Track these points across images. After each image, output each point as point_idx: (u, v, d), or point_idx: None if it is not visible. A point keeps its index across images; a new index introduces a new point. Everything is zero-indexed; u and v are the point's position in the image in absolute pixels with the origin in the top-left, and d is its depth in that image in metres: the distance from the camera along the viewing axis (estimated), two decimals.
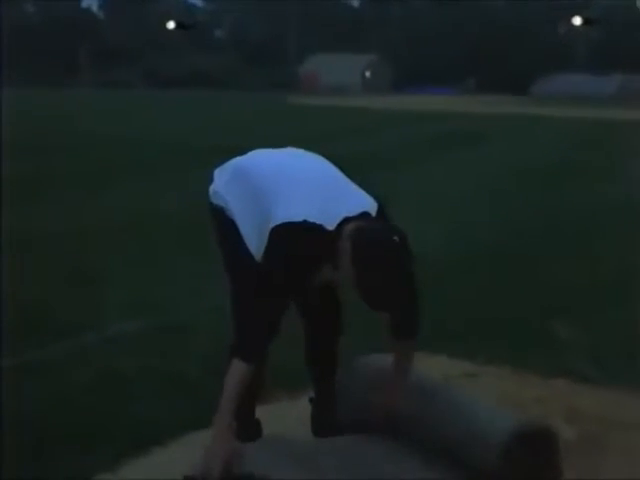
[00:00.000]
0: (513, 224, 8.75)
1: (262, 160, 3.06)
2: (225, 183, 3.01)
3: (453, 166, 14.92)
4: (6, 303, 5.28)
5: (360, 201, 2.81)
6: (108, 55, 73.77)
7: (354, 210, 2.72)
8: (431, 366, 3.96)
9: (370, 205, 2.80)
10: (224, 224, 3.00)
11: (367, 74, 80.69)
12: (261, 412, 3.34)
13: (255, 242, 2.87)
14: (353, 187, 2.91)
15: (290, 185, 2.81)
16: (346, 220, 2.66)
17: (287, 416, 3.56)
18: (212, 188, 3.07)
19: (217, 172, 3.12)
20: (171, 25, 70.30)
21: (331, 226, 2.65)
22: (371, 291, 2.56)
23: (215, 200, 3.04)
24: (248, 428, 3.09)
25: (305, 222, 2.65)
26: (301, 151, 3.13)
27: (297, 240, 2.66)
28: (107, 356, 4.50)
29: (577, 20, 65.57)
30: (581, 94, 60.71)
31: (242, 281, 2.96)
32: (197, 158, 14.83)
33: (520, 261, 6.93)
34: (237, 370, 2.63)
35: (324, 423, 3.24)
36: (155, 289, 5.97)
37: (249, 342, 2.71)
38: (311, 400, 3.35)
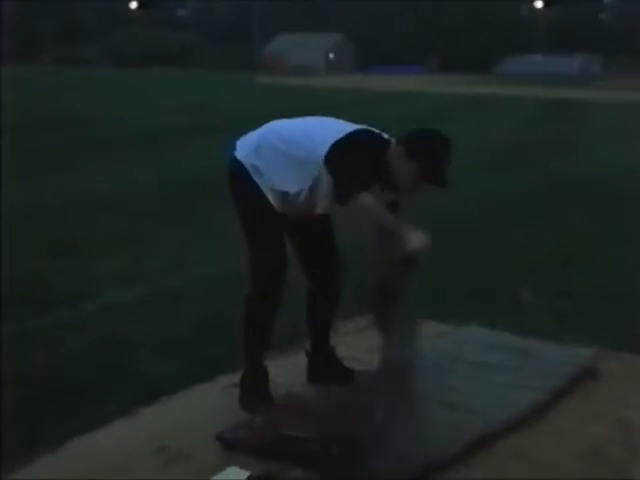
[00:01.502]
0: (482, 198, 9.14)
1: (283, 124, 3.52)
2: (255, 149, 3.40)
3: None
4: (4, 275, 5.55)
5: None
6: (71, 33, 73.01)
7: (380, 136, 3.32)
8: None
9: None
10: (245, 180, 3.39)
11: (331, 54, 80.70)
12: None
13: (295, 180, 3.30)
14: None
15: (318, 127, 3.41)
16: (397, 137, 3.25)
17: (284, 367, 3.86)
18: (237, 154, 3.45)
19: (239, 142, 3.51)
20: (134, 5, 69.79)
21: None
22: (436, 170, 3.15)
23: (243, 163, 3.41)
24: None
25: (366, 130, 3.28)
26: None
27: (358, 146, 3.22)
28: (105, 323, 4.78)
29: (539, 3, 66.34)
30: (543, 74, 61.43)
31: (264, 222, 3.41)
32: (165, 136, 15.15)
33: (488, 232, 7.34)
34: (365, 201, 3.09)
35: (320, 372, 3.63)
36: (143, 259, 6.28)
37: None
38: (307, 353, 3.71)
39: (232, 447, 2.99)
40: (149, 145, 13.79)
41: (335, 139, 3.21)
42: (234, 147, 3.50)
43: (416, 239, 3.01)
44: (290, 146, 3.31)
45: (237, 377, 3.68)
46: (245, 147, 3.46)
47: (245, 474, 2.73)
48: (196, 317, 4.84)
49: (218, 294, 5.24)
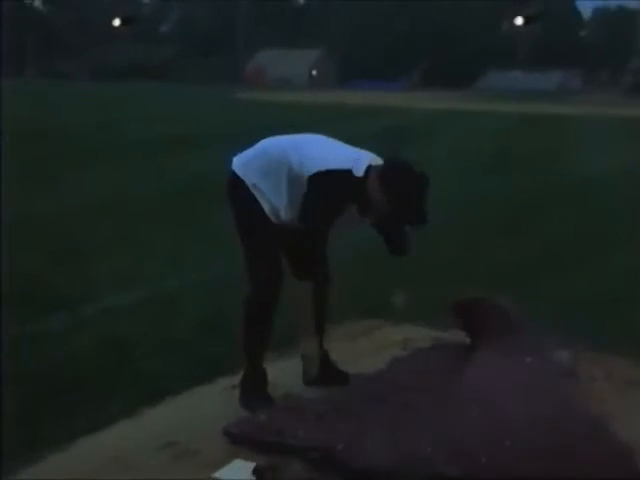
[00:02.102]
0: (464, 209, 9.38)
1: (275, 140, 3.74)
2: (246, 163, 3.64)
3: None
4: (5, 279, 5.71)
5: (374, 155, 3.51)
6: (54, 48, 72.99)
7: (374, 161, 3.44)
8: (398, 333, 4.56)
9: (375, 157, 3.51)
10: (243, 194, 3.59)
11: (314, 70, 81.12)
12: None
13: (279, 198, 3.52)
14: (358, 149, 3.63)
15: (310, 145, 3.57)
16: (370, 167, 3.38)
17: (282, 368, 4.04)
18: (235, 168, 3.66)
19: (237, 157, 3.72)
20: (117, 22, 69.78)
21: (359, 173, 3.36)
22: (407, 208, 3.30)
23: (241, 177, 3.61)
24: None
25: (338, 169, 3.36)
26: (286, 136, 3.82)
27: (335, 183, 3.34)
28: (105, 325, 4.95)
29: (519, 20, 66.95)
30: (522, 90, 62.06)
31: (260, 232, 3.60)
32: (152, 148, 15.35)
33: (467, 240, 7.59)
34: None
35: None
36: (141, 264, 6.46)
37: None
38: (302, 356, 3.90)
39: (238, 441, 3.18)
40: (136, 156, 13.98)
41: (323, 163, 3.39)
42: (231, 161, 3.71)
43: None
44: (284, 163, 3.51)
45: (236, 379, 3.85)
46: (243, 162, 3.66)
47: (250, 466, 2.90)
48: (195, 318, 5.02)
49: (216, 296, 5.44)
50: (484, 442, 2.98)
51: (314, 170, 3.38)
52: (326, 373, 3.83)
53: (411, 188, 3.31)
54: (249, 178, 3.59)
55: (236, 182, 3.63)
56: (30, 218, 8.06)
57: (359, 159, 3.43)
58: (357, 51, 80.00)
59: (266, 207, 3.56)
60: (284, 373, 3.92)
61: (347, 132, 21.77)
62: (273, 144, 3.71)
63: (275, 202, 3.54)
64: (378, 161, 3.47)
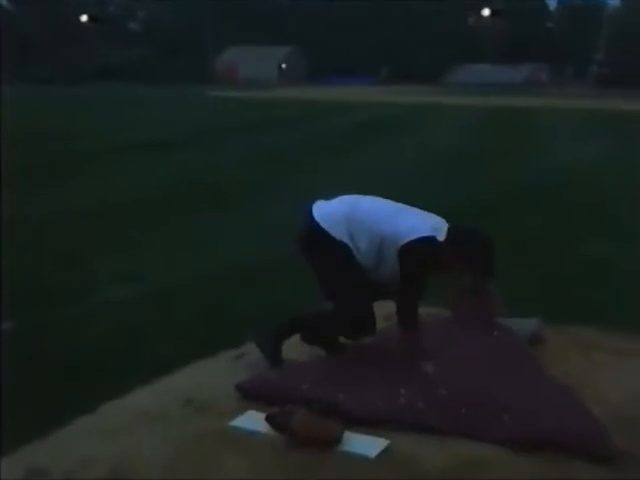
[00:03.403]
0: (438, 203, 9.83)
1: (363, 203, 4.09)
2: (343, 222, 3.96)
3: (374, 154, 15.99)
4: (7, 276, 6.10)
5: (438, 219, 3.97)
6: (21, 50, 72.53)
7: (444, 225, 3.89)
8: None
9: (442, 220, 3.97)
10: (336, 246, 3.93)
11: (283, 66, 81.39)
12: None
13: (370, 259, 3.93)
14: (421, 210, 4.08)
15: (397, 215, 3.95)
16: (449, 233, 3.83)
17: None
18: (318, 223, 3.99)
19: (318, 211, 4.05)
20: (84, 18, 69.65)
21: (441, 238, 3.80)
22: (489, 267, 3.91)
23: (327, 230, 3.95)
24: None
25: (430, 237, 3.79)
26: (370, 197, 4.22)
27: (431, 250, 3.78)
28: (112, 315, 5.35)
29: (486, 11, 67.63)
30: (490, 83, 62.80)
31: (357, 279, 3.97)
32: (132, 152, 15.69)
33: None
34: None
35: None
36: (136, 261, 6.86)
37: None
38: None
39: (249, 396, 3.62)
40: (119, 160, 14.32)
41: (413, 234, 3.79)
42: (310, 212, 4.04)
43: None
44: (377, 228, 3.88)
45: (237, 352, 4.34)
46: (331, 222, 3.97)
47: (262, 415, 3.34)
48: (194, 309, 5.46)
49: (212, 289, 5.90)
50: (464, 400, 3.48)
51: (407, 239, 3.79)
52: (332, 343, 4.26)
53: (487, 252, 3.89)
54: (339, 232, 3.93)
55: (319, 231, 3.95)
56: (20, 222, 8.41)
57: (442, 227, 3.86)
58: (327, 48, 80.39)
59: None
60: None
61: (323, 128, 22.28)
62: (364, 207, 4.05)
63: (364, 262, 3.94)
64: (443, 222, 3.93)
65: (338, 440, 3.19)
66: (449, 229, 3.85)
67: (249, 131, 20.90)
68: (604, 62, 69.37)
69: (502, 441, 3.23)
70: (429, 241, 3.78)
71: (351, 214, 3.96)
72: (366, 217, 3.94)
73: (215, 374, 4.10)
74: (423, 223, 3.87)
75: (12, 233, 7.70)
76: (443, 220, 3.97)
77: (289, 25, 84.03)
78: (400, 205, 4.10)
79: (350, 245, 3.91)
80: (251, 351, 4.30)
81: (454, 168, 13.55)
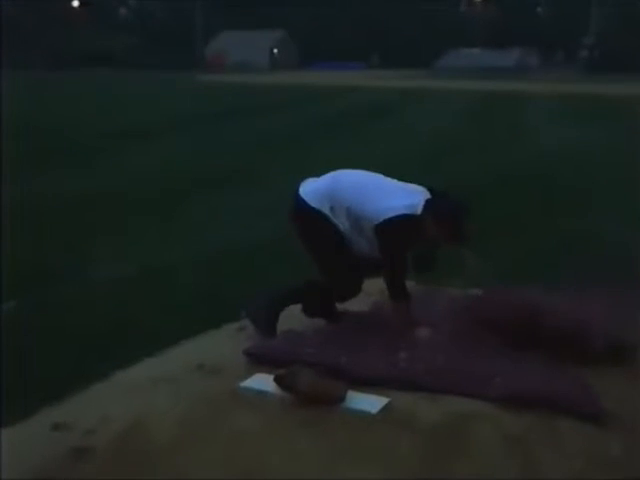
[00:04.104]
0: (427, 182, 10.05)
1: (343, 179, 4.31)
2: (319, 197, 4.22)
3: (366, 138, 16.20)
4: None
5: (421, 191, 4.16)
6: (8, 36, 72.13)
7: (423, 199, 4.08)
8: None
9: (424, 191, 4.16)
10: (319, 219, 4.19)
11: (274, 51, 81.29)
12: None
13: (351, 233, 4.18)
14: (402, 184, 4.30)
15: (375, 191, 4.18)
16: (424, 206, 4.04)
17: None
18: (303, 198, 4.26)
19: (306, 191, 4.30)
20: (75, 3, 69.39)
21: (418, 212, 4.02)
22: (455, 234, 4.06)
23: (314, 206, 4.21)
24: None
25: (403, 215, 4.00)
26: (352, 170, 4.44)
27: (405, 227, 4.00)
28: (110, 295, 5.55)
29: None
30: (480, 67, 62.93)
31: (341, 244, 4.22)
32: (123, 139, 15.84)
33: None
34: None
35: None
36: (135, 243, 7.07)
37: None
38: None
39: (256, 360, 3.85)
40: (107, 147, 14.47)
41: (388, 213, 4.00)
42: (299, 193, 4.30)
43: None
44: (356, 205, 4.13)
45: (239, 324, 4.55)
46: (315, 193, 4.25)
47: (269, 377, 3.56)
48: (194, 287, 5.67)
49: (211, 269, 6.12)
50: (458, 364, 3.73)
51: (382, 218, 4.01)
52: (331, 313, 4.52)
53: (458, 219, 4.08)
54: (322, 206, 4.19)
55: (313, 213, 4.20)
56: (20, 206, 8.60)
57: (417, 203, 4.05)
58: (317, 33, 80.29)
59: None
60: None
61: (317, 112, 22.41)
62: (345, 187, 4.25)
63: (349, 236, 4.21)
64: (426, 194, 4.14)
65: (342, 398, 3.41)
66: (427, 201, 4.06)
67: (242, 116, 21.05)
68: (594, 46, 69.48)
69: (494, 399, 3.46)
70: (403, 218, 4.00)
71: (332, 190, 4.22)
72: (345, 193, 4.18)
73: (221, 343, 4.32)
74: (399, 201, 4.07)
75: (12, 216, 7.89)
76: (423, 191, 4.17)
77: (280, 10, 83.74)
78: (380, 180, 4.33)
79: (332, 218, 4.17)
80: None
81: (444, 152, 13.77)
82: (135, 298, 5.40)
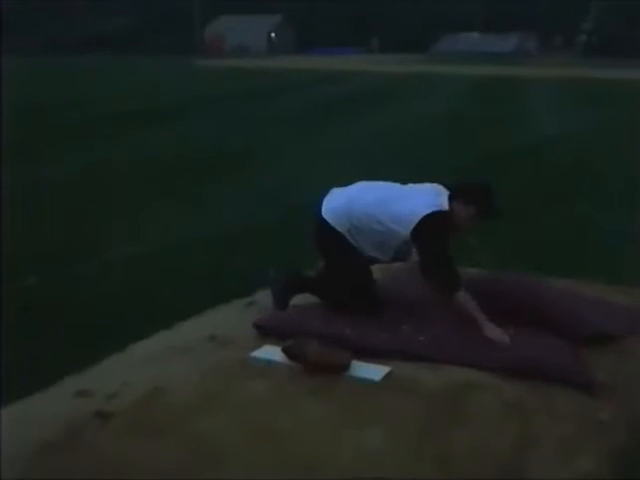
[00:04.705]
0: (426, 166, 10.25)
1: (367, 195, 4.35)
2: (345, 217, 4.29)
3: (367, 122, 16.37)
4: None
5: (438, 188, 4.26)
6: (7, 21, 71.94)
7: (443, 194, 4.20)
8: None
9: (441, 188, 4.26)
10: (340, 238, 4.30)
11: (272, 35, 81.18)
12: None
13: (379, 249, 4.29)
14: (417, 186, 4.38)
15: (398, 201, 4.23)
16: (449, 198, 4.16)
17: None
18: (326, 216, 4.35)
19: (326, 205, 4.40)
20: None
21: (444, 207, 4.12)
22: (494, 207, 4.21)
23: (335, 226, 4.31)
24: None
25: (436, 211, 4.09)
26: (372, 183, 4.52)
27: (439, 222, 4.08)
28: (123, 271, 5.76)
29: None
30: (479, 52, 62.94)
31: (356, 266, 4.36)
32: (126, 122, 16.01)
33: None
34: (462, 299, 4.02)
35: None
36: (145, 223, 7.28)
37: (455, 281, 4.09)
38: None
39: (265, 332, 4.05)
40: (112, 129, 14.66)
41: (417, 215, 4.06)
42: (320, 206, 4.40)
43: (494, 334, 3.93)
44: (375, 220, 4.19)
45: (248, 299, 4.77)
46: (334, 212, 4.32)
47: (278, 348, 3.76)
48: (203, 265, 5.88)
49: (219, 248, 6.34)
50: (459, 335, 3.94)
51: (414, 222, 4.07)
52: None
53: (487, 193, 4.25)
54: (344, 230, 4.28)
55: (329, 231, 4.31)
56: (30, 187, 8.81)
57: (441, 199, 4.15)
58: (314, 18, 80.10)
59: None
60: None
61: (317, 96, 22.59)
62: (364, 199, 4.30)
63: (371, 254, 4.32)
64: (443, 190, 4.22)
65: (347, 367, 3.61)
66: (450, 194, 4.18)
67: (244, 100, 21.21)
68: (593, 31, 69.47)
69: (491, 368, 3.65)
70: (435, 215, 4.08)
71: (351, 209, 4.29)
72: (367, 209, 4.25)
73: (231, 317, 4.53)
74: (424, 201, 4.14)
75: (25, 197, 8.09)
76: (440, 187, 4.26)
77: None
78: (397, 188, 4.38)
79: (349, 238, 4.28)
80: (261, 299, 4.74)
81: (443, 135, 13.97)
82: (148, 275, 5.61)
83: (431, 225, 4.05)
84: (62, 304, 4.94)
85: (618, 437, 3.26)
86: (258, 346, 3.92)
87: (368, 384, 3.51)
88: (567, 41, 74.40)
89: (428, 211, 4.07)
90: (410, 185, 4.40)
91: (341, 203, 4.34)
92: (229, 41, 75.57)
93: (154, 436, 3.04)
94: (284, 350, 3.68)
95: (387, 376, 3.58)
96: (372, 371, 3.61)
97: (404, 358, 3.76)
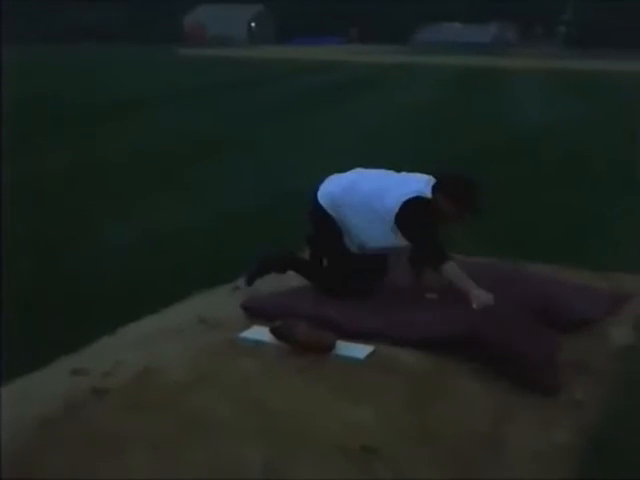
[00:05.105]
0: (410, 156, 10.41)
1: (360, 182, 4.51)
2: (337, 203, 4.47)
3: (347, 112, 16.50)
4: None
5: (425, 178, 4.38)
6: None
7: (429, 183, 4.31)
8: None
9: (429, 177, 4.38)
10: (329, 222, 4.47)
11: (253, 25, 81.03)
12: None
13: (373, 235, 4.42)
14: (408, 174, 4.52)
15: (391, 184, 4.40)
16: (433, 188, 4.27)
17: None
18: (321, 201, 4.52)
19: (322, 189, 4.56)
20: None
21: (428, 195, 4.25)
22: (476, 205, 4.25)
23: (325, 207, 4.49)
24: None
25: (414, 197, 4.24)
26: (368, 170, 4.67)
27: (420, 207, 4.23)
28: (114, 259, 5.87)
29: None
30: (459, 43, 63.17)
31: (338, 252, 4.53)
32: (116, 111, 16.07)
33: None
34: (451, 270, 4.15)
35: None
36: (135, 211, 7.40)
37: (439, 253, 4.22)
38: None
39: (253, 314, 4.20)
40: (99, 121, 14.72)
41: (400, 202, 4.20)
42: (316, 191, 4.56)
43: (483, 299, 4.04)
44: (366, 207, 4.36)
45: (233, 285, 4.91)
46: (328, 197, 4.50)
47: (266, 329, 3.90)
48: (191, 251, 6.02)
49: (206, 234, 6.47)
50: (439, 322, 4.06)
51: (402, 199, 4.23)
52: None
53: (469, 190, 4.29)
54: (335, 216, 4.46)
55: (322, 215, 4.49)
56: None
57: (424, 187, 4.27)
58: (295, 7, 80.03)
59: (347, 239, 4.51)
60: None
61: (301, 86, 22.63)
62: (356, 185, 4.47)
63: (363, 237, 4.47)
64: (430, 179, 4.35)
65: (332, 347, 3.76)
66: (434, 185, 4.30)
67: (228, 90, 21.29)
68: (572, 22, 69.87)
69: (470, 353, 3.76)
70: (416, 200, 4.24)
71: (344, 196, 4.45)
72: (358, 199, 4.41)
73: (219, 301, 4.66)
74: (409, 188, 4.29)
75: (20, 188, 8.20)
76: (428, 177, 4.40)
77: None
78: (390, 179, 4.52)
79: (341, 224, 4.45)
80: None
81: (426, 126, 14.13)
82: (137, 262, 5.73)
83: (411, 210, 4.21)
84: (53, 290, 5.05)
85: (591, 414, 3.42)
86: (246, 327, 4.06)
87: (353, 362, 3.66)
88: (547, 31, 74.81)
89: (407, 197, 4.23)
90: (403, 173, 4.56)
91: (337, 189, 4.51)
92: (210, 30, 75.33)
93: (149, 410, 3.18)
94: (272, 331, 3.82)
95: (371, 355, 3.73)
96: (357, 350, 3.76)
97: (384, 340, 3.89)
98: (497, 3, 74.83)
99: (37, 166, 9.63)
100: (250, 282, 4.73)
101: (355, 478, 2.75)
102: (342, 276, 4.47)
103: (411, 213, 4.22)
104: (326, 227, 4.50)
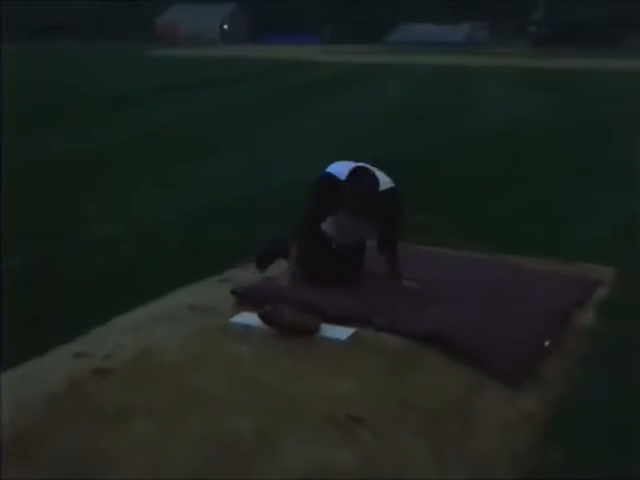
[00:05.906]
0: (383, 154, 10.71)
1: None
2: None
3: (327, 110, 16.81)
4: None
5: (354, 165, 4.55)
6: None
7: (349, 169, 4.50)
8: None
9: (360, 165, 4.54)
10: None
11: (225, 25, 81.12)
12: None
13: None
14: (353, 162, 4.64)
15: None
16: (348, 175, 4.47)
17: None
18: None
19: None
20: None
21: (342, 177, 4.46)
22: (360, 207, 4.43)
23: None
24: None
25: (324, 175, 4.53)
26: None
27: (321, 183, 4.56)
28: (102, 250, 6.12)
29: None
30: (431, 42, 63.68)
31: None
32: (96, 106, 16.25)
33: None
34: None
35: None
36: (121, 203, 7.66)
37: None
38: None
39: (242, 300, 4.47)
40: (84, 115, 14.94)
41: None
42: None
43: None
44: None
45: (221, 277, 5.17)
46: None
47: (254, 315, 4.17)
48: (178, 243, 6.28)
49: (191, 226, 6.74)
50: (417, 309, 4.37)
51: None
52: None
53: (359, 194, 4.40)
54: None
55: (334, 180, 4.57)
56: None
57: (340, 169, 4.50)
58: (268, 6, 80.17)
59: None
60: None
61: (276, 85, 22.77)
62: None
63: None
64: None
65: (317, 329, 4.04)
66: (350, 172, 4.46)
67: (202, 89, 21.51)
68: (542, 22, 70.62)
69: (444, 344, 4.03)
70: (321, 177, 4.57)
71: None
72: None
73: (207, 291, 4.93)
74: (331, 168, 4.57)
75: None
76: (357, 165, 4.55)
77: None
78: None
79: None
80: (232, 276, 5.15)
81: (401, 122, 14.48)
82: (126, 253, 5.99)
83: (314, 184, 4.60)
84: (46, 282, 5.28)
85: (555, 387, 3.73)
86: (236, 313, 4.33)
87: (336, 343, 3.94)
88: (518, 31, 75.53)
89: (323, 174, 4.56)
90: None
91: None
92: (183, 29, 75.36)
93: (149, 386, 3.44)
94: (261, 316, 4.09)
95: (352, 336, 4.01)
96: (339, 332, 4.04)
97: (362, 324, 4.17)
98: (470, 3, 75.47)
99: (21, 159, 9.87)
100: (261, 266, 4.98)
101: (342, 443, 3.03)
102: (325, 265, 4.74)
103: (313, 187, 4.64)
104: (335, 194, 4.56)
